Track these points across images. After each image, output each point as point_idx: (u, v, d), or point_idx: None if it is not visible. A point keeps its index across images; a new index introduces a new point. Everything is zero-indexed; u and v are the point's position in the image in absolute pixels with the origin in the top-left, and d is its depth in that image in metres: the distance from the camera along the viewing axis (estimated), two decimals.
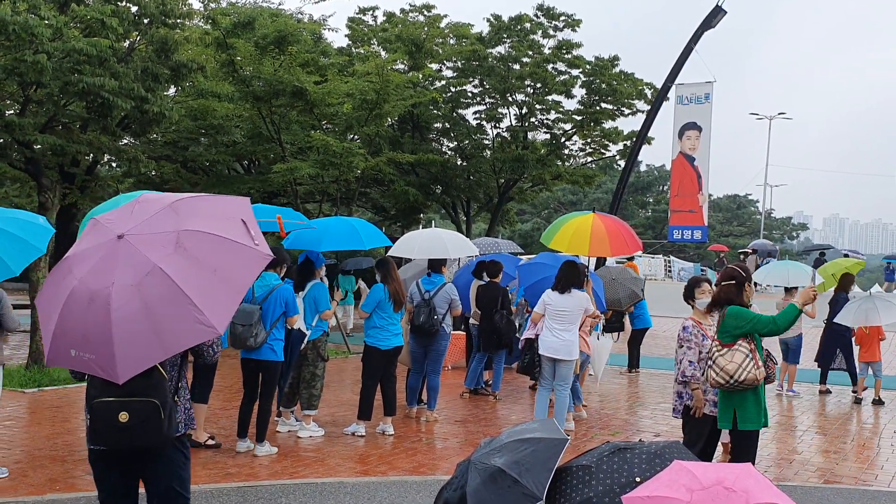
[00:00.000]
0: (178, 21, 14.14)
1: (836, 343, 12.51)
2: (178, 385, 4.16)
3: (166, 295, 3.49)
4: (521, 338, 9.53)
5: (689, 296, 6.81)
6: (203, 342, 4.05)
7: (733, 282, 6.05)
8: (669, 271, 41.49)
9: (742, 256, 30.07)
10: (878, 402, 11.94)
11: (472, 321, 11.78)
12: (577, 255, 10.70)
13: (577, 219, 10.79)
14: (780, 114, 52.00)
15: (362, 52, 23.18)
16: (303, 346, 8.55)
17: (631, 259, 23.36)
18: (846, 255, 23.47)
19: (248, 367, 7.95)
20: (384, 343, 8.87)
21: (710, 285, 6.87)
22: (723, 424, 6.02)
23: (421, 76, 21.74)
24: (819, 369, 12.85)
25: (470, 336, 12.20)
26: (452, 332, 10.33)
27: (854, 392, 12.38)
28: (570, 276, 8.92)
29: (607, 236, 10.34)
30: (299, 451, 8.19)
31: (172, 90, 18.47)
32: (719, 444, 6.72)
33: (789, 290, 12.44)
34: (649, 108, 22.22)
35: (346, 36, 25.06)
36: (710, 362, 5.88)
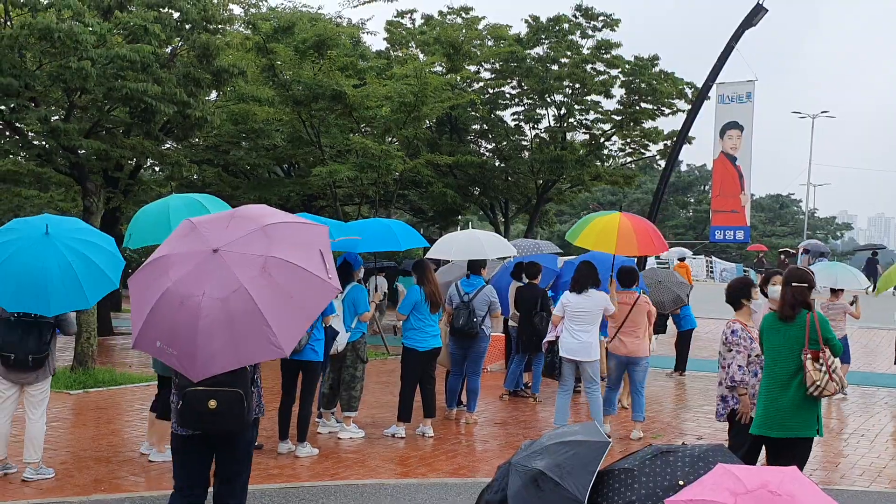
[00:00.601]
0: (220, 27, 14.31)
1: None
2: (255, 376, 4.70)
3: (247, 313, 3.93)
4: (544, 341, 9.46)
5: (741, 296, 6.54)
6: None
7: (806, 285, 5.86)
8: (711, 272, 40.99)
9: (783, 256, 29.50)
10: None
11: (511, 323, 11.73)
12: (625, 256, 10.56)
13: (604, 217, 10.76)
14: (822, 112, 51.09)
15: (400, 55, 23.22)
16: (342, 348, 8.58)
17: (682, 260, 23.10)
18: None
19: (290, 368, 8.02)
20: (422, 344, 8.87)
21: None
22: (807, 433, 5.79)
23: (459, 78, 21.72)
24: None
25: (509, 338, 12.15)
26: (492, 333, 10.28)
27: None
28: (586, 277, 8.82)
29: (634, 234, 10.26)
30: (340, 452, 8.23)
31: (214, 95, 18.66)
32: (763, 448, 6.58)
33: (835, 292, 12.22)
34: (690, 107, 21.96)
35: (384, 39, 25.14)
36: (831, 372, 5.67)
